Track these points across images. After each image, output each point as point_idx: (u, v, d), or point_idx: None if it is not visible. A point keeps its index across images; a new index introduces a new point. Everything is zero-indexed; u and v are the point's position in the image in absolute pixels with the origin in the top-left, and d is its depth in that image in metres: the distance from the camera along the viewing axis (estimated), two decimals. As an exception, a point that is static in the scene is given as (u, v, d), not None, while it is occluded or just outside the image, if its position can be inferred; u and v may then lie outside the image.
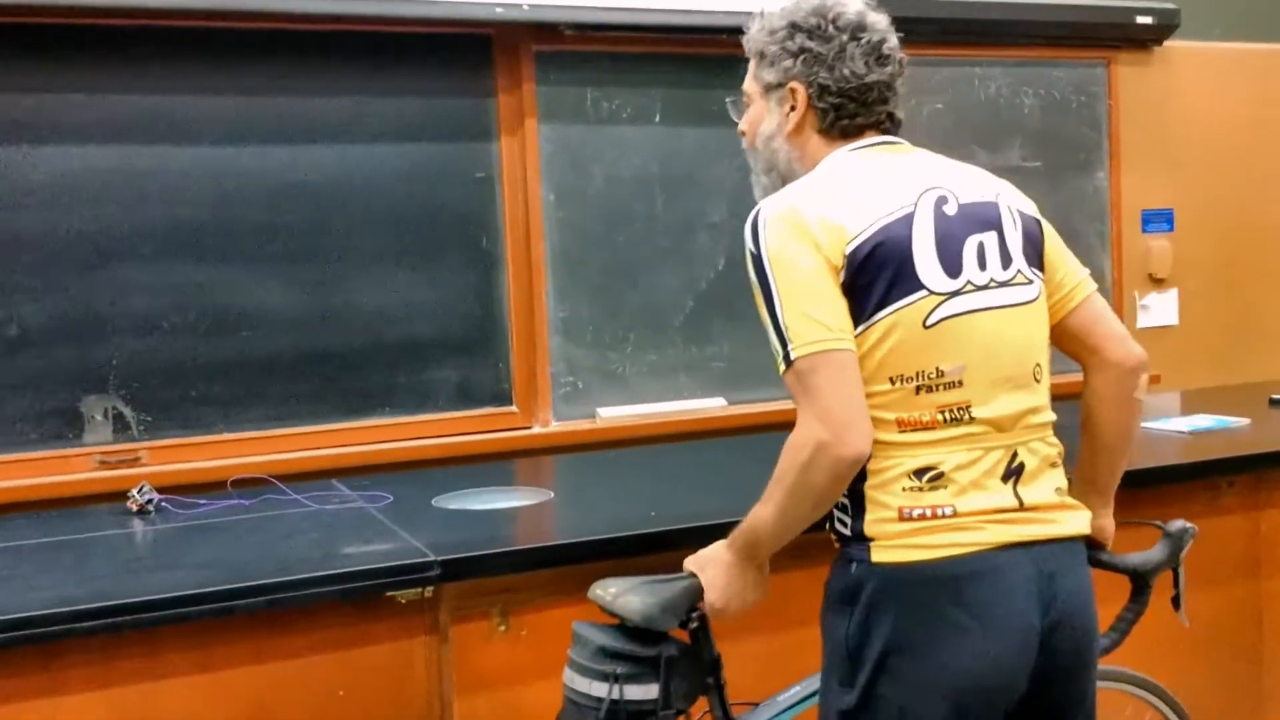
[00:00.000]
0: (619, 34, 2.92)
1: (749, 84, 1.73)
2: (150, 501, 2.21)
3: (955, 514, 1.52)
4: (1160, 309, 3.86)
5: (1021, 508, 1.57)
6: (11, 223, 2.58)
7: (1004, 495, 1.56)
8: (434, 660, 2.09)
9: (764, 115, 1.71)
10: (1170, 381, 3.76)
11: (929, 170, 1.64)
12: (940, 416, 1.54)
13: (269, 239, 2.73)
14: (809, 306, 1.52)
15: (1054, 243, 1.72)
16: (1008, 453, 1.57)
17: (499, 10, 2.90)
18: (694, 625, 1.70)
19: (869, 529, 1.54)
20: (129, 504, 2.19)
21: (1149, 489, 2.64)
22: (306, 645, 2.00)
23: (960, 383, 1.54)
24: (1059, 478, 1.64)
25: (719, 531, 2.18)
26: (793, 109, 1.67)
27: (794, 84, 1.66)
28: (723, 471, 2.65)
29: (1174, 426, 2.90)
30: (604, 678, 1.68)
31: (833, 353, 1.50)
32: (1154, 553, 1.85)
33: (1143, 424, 3.20)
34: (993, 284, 1.58)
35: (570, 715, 1.73)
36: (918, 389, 1.54)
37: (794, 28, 1.67)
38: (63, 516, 2.29)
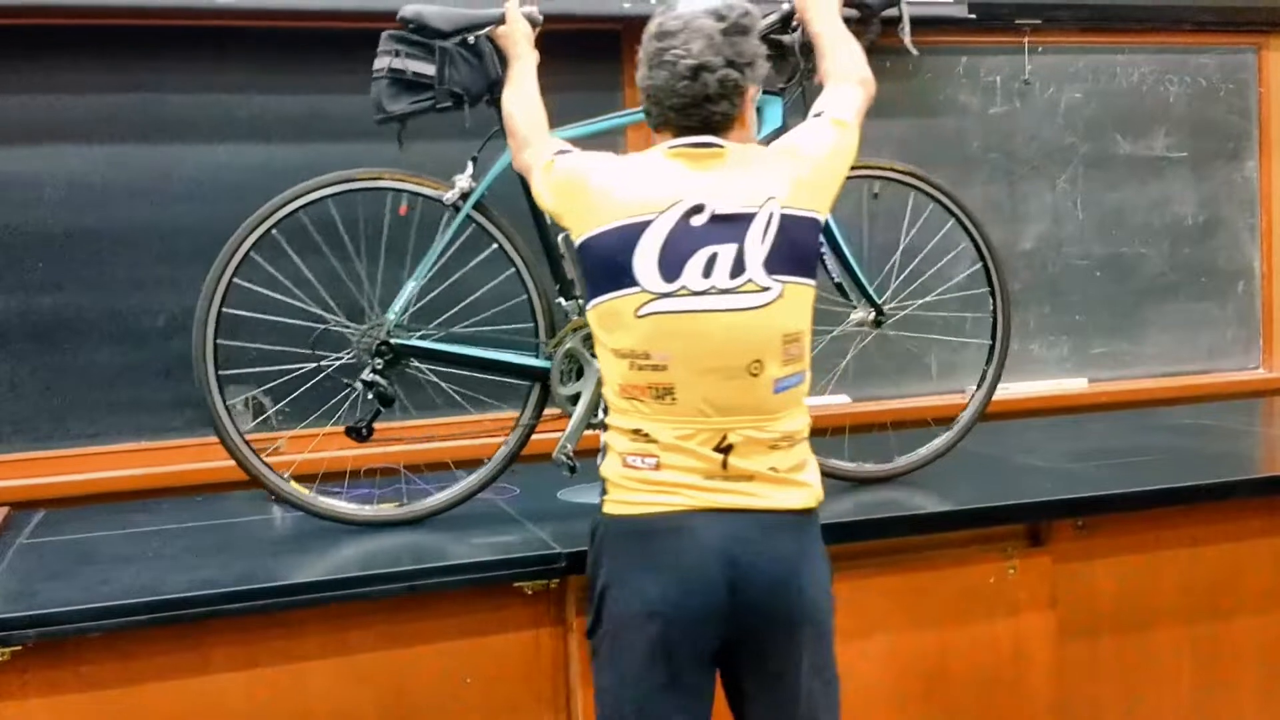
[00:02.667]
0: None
1: None
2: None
3: (659, 466, 1.80)
4: (1314, 304, 3.68)
5: (725, 475, 1.79)
6: (160, 216, 2.68)
7: (709, 462, 1.79)
8: (559, 650, 2.12)
9: None
10: (1326, 381, 3.60)
11: (700, 181, 1.82)
12: (652, 392, 1.79)
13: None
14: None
15: (838, 184, 1.94)
16: (717, 433, 1.79)
17: (627, 5, 2.91)
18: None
19: (605, 471, 1.86)
20: (267, 492, 2.26)
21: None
22: (437, 631, 2.05)
23: (665, 367, 1.78)
24: (778, 458, 1.82)
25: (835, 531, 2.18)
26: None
27: (639, 84, 1.89)
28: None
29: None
30: (388, 54, 2.23)
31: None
32: None
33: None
34: (713, 290, 1.78)
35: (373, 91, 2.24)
36: (631, 365, 1.81)
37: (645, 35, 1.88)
38: (206, 502, 2.37)
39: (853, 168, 2.43)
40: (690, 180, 1.82)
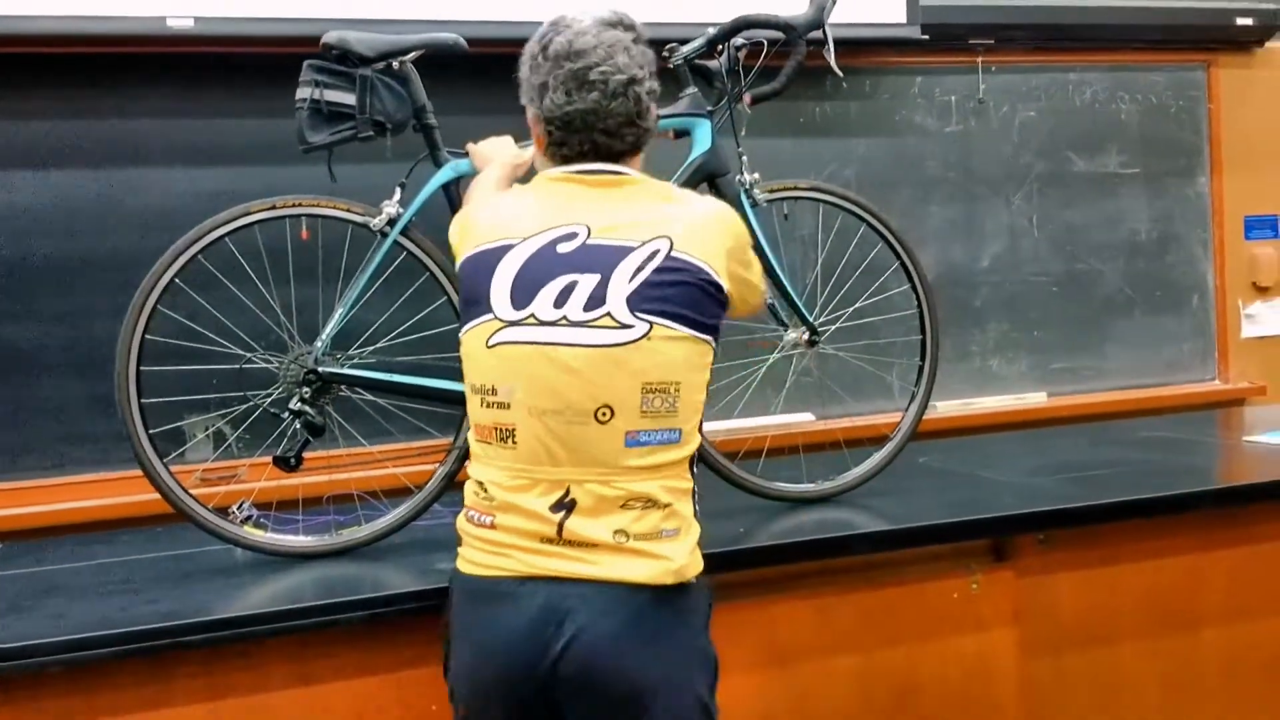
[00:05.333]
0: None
1: None
2: (250, 518, 2.25)
3: (495, 526, 1.69)
4: (1267, 318, 3.73)
5: (563, 539, 1.65)
6: (120, 244, 2.66)
7: (544, 525, 1.66)
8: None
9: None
10: (1277, 393, 3.65)
11: (585, 206, 1.71)
12: (495, 433, 1.68)
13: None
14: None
15: (751, 281, 1.83)
16: (558, 486, 1.65)
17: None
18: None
19: (459, 523, 1.77)
20: (230, 519, 2.24)
21: (1252, 505, 2.58)
22: (399, 660, 2.02)
23: (508, 405, 1.67)
24: (628, 521, 1.66)
25: (801, 549, 2.18)
26: (533, 129, 1.79)
27: (529, 109, 1.78)
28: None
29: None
30: (310, 84, 2.20)
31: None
32: (803, 13, 2.34)
33: (1246, 438, 3.15)
34: (562, 321, 1.65)
35: (295, 121, 2.22)
36: (481, 401, 1.71)
37: (525, 54, 1.78)
38: (168, 533, 2.34)
39: (788, 189, 2.52)
40: (573, 206, 1.71)
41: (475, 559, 1.72)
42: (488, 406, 1.69)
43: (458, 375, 2.26)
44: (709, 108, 2.43)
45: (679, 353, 1.68)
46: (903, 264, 2.63)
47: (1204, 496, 2.59)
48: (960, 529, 2.40)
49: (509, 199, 1.84)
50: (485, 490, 1.71)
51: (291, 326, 2.30)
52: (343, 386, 2.27)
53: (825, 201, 2.62)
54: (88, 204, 2.67)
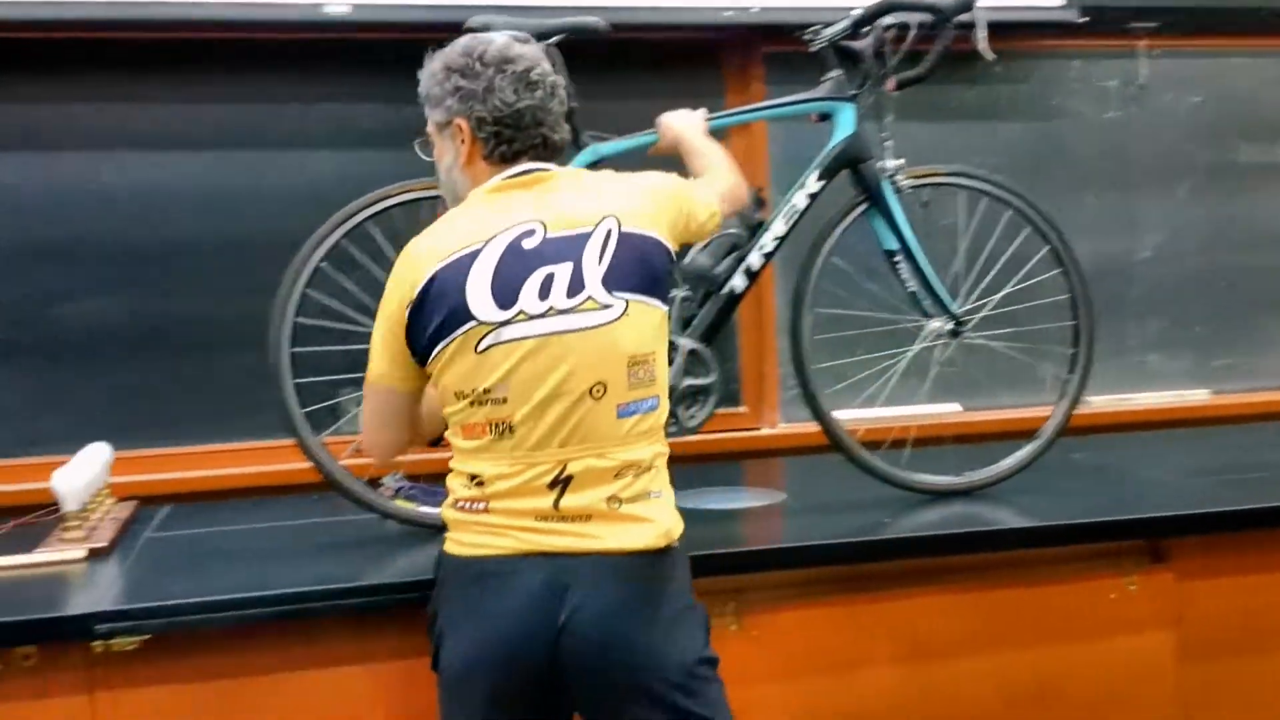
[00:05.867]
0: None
1: (429, 125, 1.89)
2: (401, 489, 2.31)
3: (488, 510, 1.72)
4: None
5: (558, 514, 1.70)
6: (281, 224, 2.72)
7: (540, 500, 1.70)
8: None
9: (444, 151, 1.87)
10: None
11: (530, 205, 1.77)
12: (490, 428, 1.72)
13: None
14: (380, 345, 1.82)
15: (686, 221, 1.91)
16: (557, 465, 1.71)
17: (728, 14, 2.92)
18: None
19: (445, 513, 1.79)
20: (382, 490, 2.30)
21: None
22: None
23: (505, 400, 1.70)
24: (620, 487, 1.72)
25: (948, 542, 2.14)
26: (462, 142, 1.83)
27: (458, 120, 1.82)
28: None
29: None
30: None
31: (378, 386, 1.84)
32: None
33: None
34: (551, 312, 1.71)
35: None
36: (472, 403, 1.72)
37: (448, 70, 1.83)
38: (322, 500, 2.42)
39: (914, 175, 2.45)
40: (520, 207, 1.77)
41: (469, 540, 1.74)
42: (479, 405, 1.72)
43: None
44: (853, 91, 2.39)
45: (651, 324, 1.78)
46: (1053, 247, 2.55)
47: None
48: (1116, 528, 2.32)
49: (452, 217, 1.82)
50: (479, 481, 1.73)
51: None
52: None
53: (970, 187, 2.55)
54: (255, 184, 2.77)
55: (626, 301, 1.74)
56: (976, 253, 2.69)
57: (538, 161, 1.82)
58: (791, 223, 2.37)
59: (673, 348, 2.29)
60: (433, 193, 2.27)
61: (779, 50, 3.03)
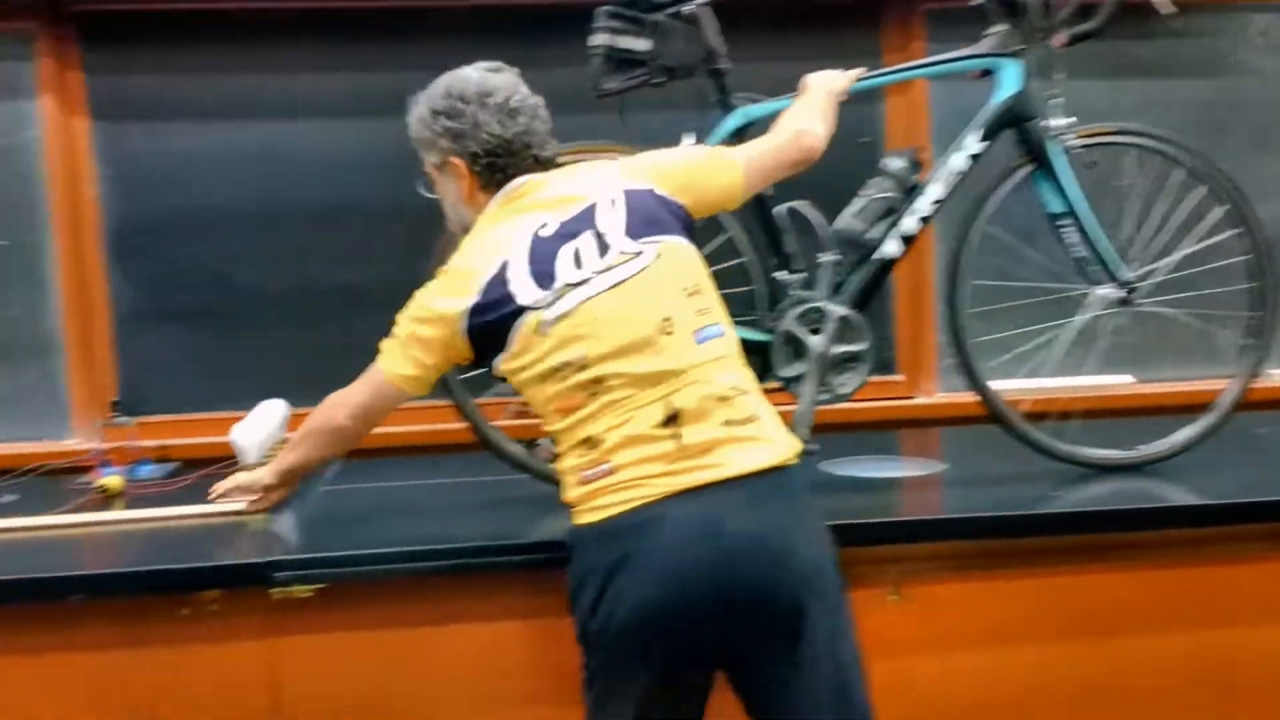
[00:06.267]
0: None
1: (426, 165, 1.99)
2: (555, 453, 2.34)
3: (613, 468, 1.72)
4: None
5: (683, 452, 1.70)
6: (361, 195, 2.82)
7: (661, 444, 1.71)
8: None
9: (446, 189, 1.97)
10: None
11: (531, 210, 1.86)
12: (584, 393, 1.75)
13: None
14: (410, 343, 1.90)
15: (685, 177, 1.93)
16: (661, 404, 1.73)
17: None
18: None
19: (568, 497, 1.79)
20: (538, 452, 2.34)
21: None
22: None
23: (586, 364, 1.75)
24: (731, 411, 1.74)
25: (1117, 518, 2.08)
26: (461, 178, 1.92)
27: (452, 159, 1.92)
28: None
29: None
30: (604, 31, 2.25)
31: (387, 380, 1.94)
32: None
33: None
34: (593, 275, 1.78)
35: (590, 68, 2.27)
36: (557, 381, 1.77)
37: (434, 113, 1.92)
38: (487, 460, 2.46)
39: (1084, 134, 2.34)
40: (524, 214, 1.86)
41: (605, 502, 1.72)
42: (564, 380, 1.76)
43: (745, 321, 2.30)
44: (1018, 46, 2.31)
45: (687, 258, 1.84)
46: (1232, 206, 2.43)
47: None
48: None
49: (472, 241, 1.90)
50: (591, 445, 1.74)
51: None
52: None
53: (1141, 145, 2.43)
54: (388, 154, 2.82)
55: (657, 243, 1.81)
56: (1148, 215, 2.59)
57: (529, 176, 1.90)
58: (951, 186, 2.32)
59: (822, 314, 2.27)
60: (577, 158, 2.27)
61: (940, 6, 2.95)
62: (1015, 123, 2.33)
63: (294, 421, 2.59)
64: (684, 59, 2.27)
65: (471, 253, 1.87)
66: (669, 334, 1.76)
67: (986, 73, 2.34)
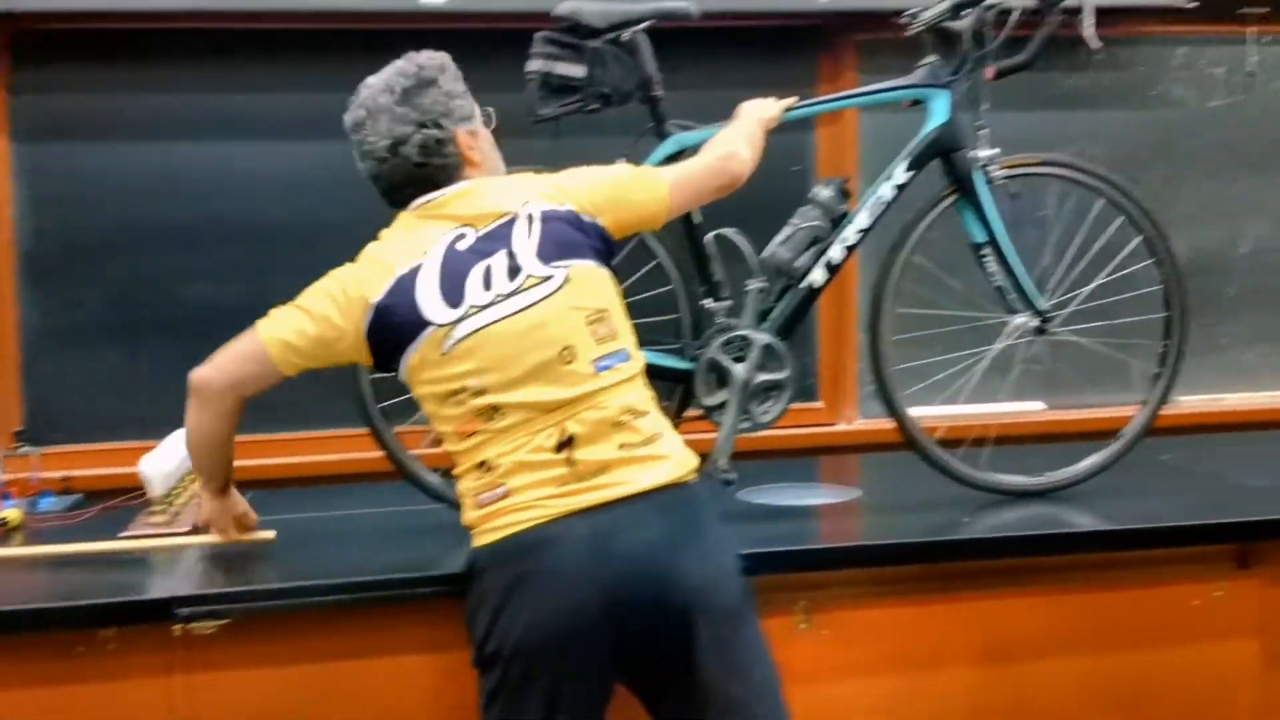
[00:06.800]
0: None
1: (462, 139, 1.94)
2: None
3: (508, 491, 1.74)
4: None
5: (576, 474, 1.73)
6: (371, 211, 2.78)
7: (554, 468, 1.74)
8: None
9: (485, 145, 1.98)
10: None
11: (450, 219, 1.86)
12: (480, 419, 1.77)
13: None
14: (299, 311, 1.88)
15: (608, 195, 1.92)
16: (556, 429, 1.75)
17: (822, 1, 2.87)
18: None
19: (466, 519, 1.81)
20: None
21: None
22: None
23: (484, 390, 1.76)
24: (626, 435, 1.77)
25: (1028, 544, 2.10)
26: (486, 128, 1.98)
27: (483, 112, 1.98)
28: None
29: None
30: (541, 57, 2.28)
31: (260, 339, 1.88)
32: None
33: None
34: (498, 299, 1.79)
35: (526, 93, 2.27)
36: (454, 403, 1.78)
37: (455, 78, 1.95)
38: (400, 489, 2.43)
39: (1027, 164, 2.38)
40: (443, 223, 1.86)
41: (500, 524, 1.75)
42: (461, 403, 1.78)
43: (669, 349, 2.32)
44: (948, 78, 2.34)
45: (595, 283, 1.84)
46: (1146, 238, 2.46)
47: None
48: (1200, 533, 2.26)
49: (389, 237, 1.91)
50: (486, 469, 1.77)
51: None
52: None
53: (1062, 176, 2.47)
54: (340, 174, 2.78)
55: (566, 268, 1.81)
56: (1067, 245, 2.63)
57: (443, 188, 1.89)
58: (877, 215, 2.34)
59: (747, 342, 2.28)
60: None
61: (871, 38, 2.99)
62: (943, 153, 2.36)
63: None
64: (620, 86, 2.28)
65: (392, 246, 1.87)
66: (569, 363, 1.78)
67: (917, 102, 2.37)
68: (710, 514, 1.82)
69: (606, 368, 1.80)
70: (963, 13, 2.30)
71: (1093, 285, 2.57)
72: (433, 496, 2.31)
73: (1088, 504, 2.39)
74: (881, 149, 2.89)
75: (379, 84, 1.92)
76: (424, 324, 1.79)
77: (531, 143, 2.26)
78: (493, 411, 1.76)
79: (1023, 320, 2.40)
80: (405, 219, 1.91)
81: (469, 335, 1.78)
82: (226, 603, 1.93)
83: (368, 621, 1.99)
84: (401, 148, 1.88)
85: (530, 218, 1.85)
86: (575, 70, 2.26)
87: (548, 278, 1.80)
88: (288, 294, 2.72)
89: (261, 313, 2.71)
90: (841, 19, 2.96)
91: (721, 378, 2.29)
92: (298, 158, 2.81)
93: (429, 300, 1.79)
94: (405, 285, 1.80)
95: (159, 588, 2.01)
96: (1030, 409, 2.92)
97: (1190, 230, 3.12)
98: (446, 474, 2.30)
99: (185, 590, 1.95)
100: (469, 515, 1.81)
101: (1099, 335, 2.60)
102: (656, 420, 1.83)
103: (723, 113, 2.29)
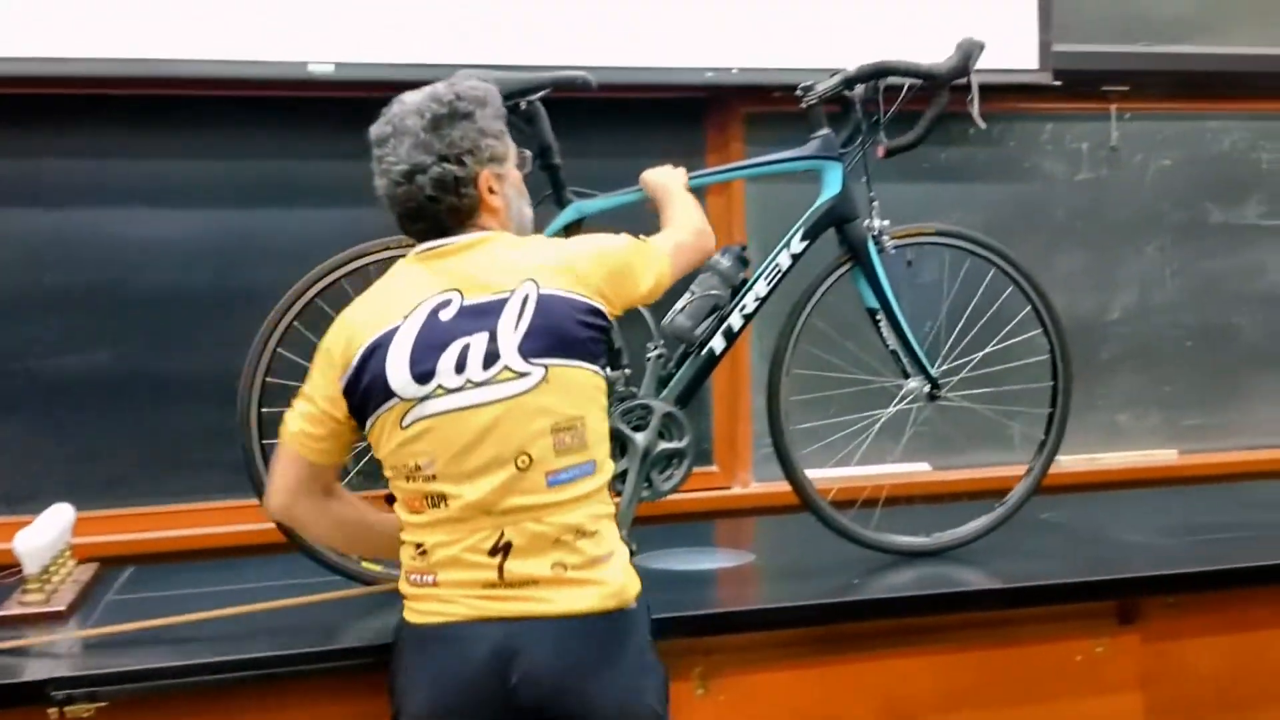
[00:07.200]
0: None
1: (486, 179, 1.85)
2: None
3: (436, 584, 1.73)
4: None
5: (504, 582, 1.70)
6: (253, 279, 2.75)
7: (484, 571, 1.71)
8: None
9: (511, 190, 1.90)
10: None
11: (450, 273, 1.78)
12: (426, 502, 1.73)
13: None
14: (307, 405, 1.82)
15: (615, 271, 1.86)
16: (494, 532, 1.71)
17: (709, 75, 2.95)
18: None
19: (399, 587, 1.80)
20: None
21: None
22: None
23: (435, 476, 1.72)
24: (564, 555, 1.72)
25: (920, 604, 2.14)
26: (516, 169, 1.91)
27: (518, 152, 1.92)
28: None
29: None
30: None
31: (288, 446, 1.84)
32: (947, 60, 2.36)
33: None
34: (469, 385, 1.71)
35: None
36: (406, 479, 1.75)
37: (497, 111, 1.88)
38: (290, 560, 2.37)
39: (920, 234, 2.47)
40: (436, 278, 1.78)
41: (422, 609, 1.75)
42: (411, 480, 1.74)
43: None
44: (841, 150, 2.41)
45: (576, 387, 1.75)
46: (1035, 307, 2.57)
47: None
48: (1085, 589, 2.33)
49: (380, 287, 1.85)
50: (423, 551, 1.75)
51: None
52: None
53: (955, 246, 2.56)
54: (232, 240, 2.77)
55: (546, 367, 1.73)
56: (959, 312, 2.72)
57: (441, 235, 1.81)
58: (774, 283, 2.37)
59: (648, 410, 2.28)
60: (397, 253, 2.28)
61: (757, 110, 3.06)
62: (837, 223, 2.41)
63: (81, 525, 2.48)
64: None
65: (371, 304, 1.81)
66: (522, 469, 1.71)
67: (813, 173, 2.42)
68: (637, 642, 1.76)
69: (561, 482, 1.73)
70: (855, 87, 2.37)
71: (981, 353, 2.66)
72: (328, 568, 2.26)
73: (976, 563, 2.45)
74: (766, 218, 2.98)
75: (412, 105, 1.82)
76: (389, 394, 1.73)
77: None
78: (439, 499, 1.72)
79: (915, 384, 2.47)
80: (400, 268, 1.84)
81: (430, 416, 1.71)
82: (104, 684, 1.85)
83: (251, 700, 1.94)
84: (418, 176, 1.78)
85: (525, 299, 1.75)
86: None
87: (524, 374, 1.72)
88: (153, 364, 2.74)
89: (132, 382, 2.72)
90: (728, 92, 3.03)
91: (622, 446, 2.28)
92: (175, 224, 2.75)
93: (397, 371, 1.72)
94: (379, 349, 1.74)
95: (34, 669, 1.92)
96: (916, 470, 2.99)
97: (1064, 297, 3.23)
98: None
99: (62, 672, 1.87)
100: (401, 584, 1.80)
101: (986, 400, 2.68)
102: (604, 541, 1.76)
103: (617, 181, 2.33)
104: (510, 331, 1.73)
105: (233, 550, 2.64)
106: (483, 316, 1.74)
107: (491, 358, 1.72)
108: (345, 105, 2.76)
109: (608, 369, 1.88)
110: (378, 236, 2.28)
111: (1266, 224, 3.47)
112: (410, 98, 1.84)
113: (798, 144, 2.43)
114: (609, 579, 1.75)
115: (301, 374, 2.25)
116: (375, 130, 1.83)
